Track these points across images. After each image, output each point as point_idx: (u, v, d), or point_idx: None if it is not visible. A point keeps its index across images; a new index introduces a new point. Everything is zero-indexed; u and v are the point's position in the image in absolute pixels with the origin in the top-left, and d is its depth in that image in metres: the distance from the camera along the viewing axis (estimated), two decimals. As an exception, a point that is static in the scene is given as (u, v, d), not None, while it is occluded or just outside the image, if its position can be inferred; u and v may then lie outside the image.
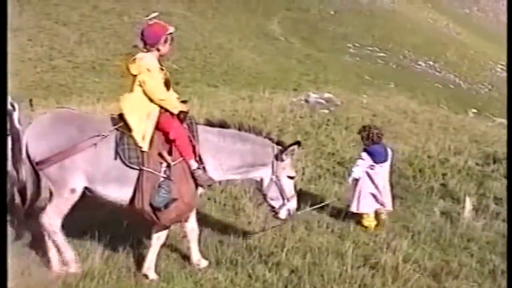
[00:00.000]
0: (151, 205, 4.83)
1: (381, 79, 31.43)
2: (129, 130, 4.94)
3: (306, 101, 14.79)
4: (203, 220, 6.09)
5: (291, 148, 5.40)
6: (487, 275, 5.48)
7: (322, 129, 12.48)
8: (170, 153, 4.98)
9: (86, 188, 4.98)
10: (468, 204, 7.23)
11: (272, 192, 5.42)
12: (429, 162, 9.94)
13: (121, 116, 5.06)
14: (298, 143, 5.54)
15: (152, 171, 4.87)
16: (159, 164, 4.93)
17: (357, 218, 6.81)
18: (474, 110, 29.60)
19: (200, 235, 5.61)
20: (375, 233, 6.28)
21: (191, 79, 24.05)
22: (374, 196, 6.83)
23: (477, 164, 9.91)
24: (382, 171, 6.96)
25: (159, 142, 4.99)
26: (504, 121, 19.85)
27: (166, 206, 4.83)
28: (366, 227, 6.68)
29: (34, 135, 4.95)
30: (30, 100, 11.14)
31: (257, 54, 30.45)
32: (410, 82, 32.47)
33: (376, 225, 6.74)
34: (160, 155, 4.93)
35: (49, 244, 5.03)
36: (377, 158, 6.91)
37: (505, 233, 6.76)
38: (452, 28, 53.36)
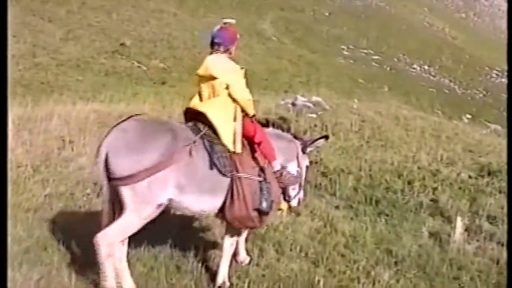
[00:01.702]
0: (257, 210, 4.73)
1: (374, 83, 30.77)
2: (215, 136, 4.71)
3: (293, 104, 14.07)
4: (161, 240, 5.39)
5: (318, 141, 5.69)
6: (479, 313, 4.80)
7: (307, 135, 11.80)
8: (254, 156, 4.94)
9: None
10: (460, 224, 6.56)
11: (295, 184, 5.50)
12: (419, 174, 9.25)
13: (196, 123, 4.79)
14: (326, 137, 5.79)
15: (250, 176, 4.73)
16: (253, 168, 4.81)
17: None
18: (469, 116, 29.05)
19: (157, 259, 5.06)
20: (353, 259, 5.57)
21: (178, 78, 23.15)
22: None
23: (470, 177, 9.22)
24: None
25: (246, 146, 4.89)
26: (499, 127, 19.40)
27: (271, 208, 4.80)
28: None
29: (120, 147, 4.24)
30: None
31: (248, 53, 29.65)
32: (404, 86, 31.86)
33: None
34: (254, 158, 4.87)
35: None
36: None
37: (499, 258, 6.11)
38: (448, 32, 52.82)
